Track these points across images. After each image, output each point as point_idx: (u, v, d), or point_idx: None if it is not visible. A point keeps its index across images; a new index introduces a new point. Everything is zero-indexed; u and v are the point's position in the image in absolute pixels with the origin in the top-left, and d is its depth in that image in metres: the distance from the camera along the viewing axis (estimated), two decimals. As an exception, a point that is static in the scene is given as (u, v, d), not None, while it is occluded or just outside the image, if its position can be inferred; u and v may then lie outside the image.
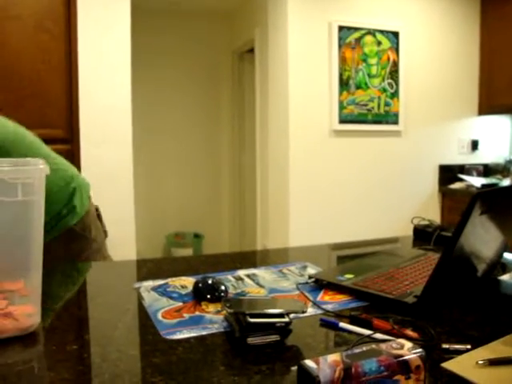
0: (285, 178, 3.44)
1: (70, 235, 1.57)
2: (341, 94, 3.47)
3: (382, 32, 3.57)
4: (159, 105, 4.78)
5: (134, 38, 3.00)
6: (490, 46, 3.80)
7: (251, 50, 4.46)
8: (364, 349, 0.73)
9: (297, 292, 1.12)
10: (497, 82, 3.75)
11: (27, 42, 2.73)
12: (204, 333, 0.89)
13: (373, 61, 3.56)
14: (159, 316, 0.97)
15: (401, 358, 0.70)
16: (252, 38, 4.33)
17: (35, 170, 0.87)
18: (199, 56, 4.91)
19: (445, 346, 0.80)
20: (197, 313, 0.99)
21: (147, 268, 1.45)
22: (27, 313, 0.87)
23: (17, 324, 0.85)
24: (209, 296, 1.04)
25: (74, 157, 2.85)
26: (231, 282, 1.21)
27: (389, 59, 3.60)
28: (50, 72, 2.78)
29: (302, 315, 0.94)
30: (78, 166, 2.86)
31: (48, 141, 2.79)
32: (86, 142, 2.87)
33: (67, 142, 2.85)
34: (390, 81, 3.61)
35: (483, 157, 4.02)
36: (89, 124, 2.87)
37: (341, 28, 3.45)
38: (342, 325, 0.90)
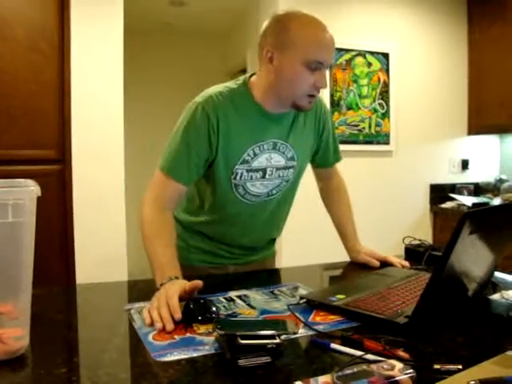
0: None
1: None
2: (332, 114, 3.50)
3: (372, 53, 3.61)
4: (152, 124, 4.79)
5: (126, 58, 3.01)
6: (478, 66, 3.86)
7: (243, 71, 4.50)
8: (355, 370, 0.73)
9: (288, 313, 1.11)
10: (486, 102, 3.80)
11: (20, 63, 2.74)
12: (195, 354, 0.88)
13: (363, 82, 3.60)
14: (150, 338, 0.97)
15: (392, 379, 0.70)
16: (244, 59, 4.37)
17: (26, 191, 0.87)
18: (192, 76, 4.94)
19: (436, 366, 0.80)
20: (188, 334, 0.99)
21: (138, 289, 1.44)
22: (16, 336, 0.86)
23: (5, 347, 0.84)
24: (200, 317, 1.04)
25: (65, 177, 2.84)
26: (222, 303, 1.21)
27: (379, 80, 3.64)
28: (43, 92, 2.79)
29: (293, 336, 0.93)
30: (70, 186, 2.85)
31: (40, 161, 2.80)
32: (78, 162, 2.87)
33: (59, 162, 2.84)
34: (380, 101, 3.65)
35: (474, 176, 4.05)
36: (81, 144, 2.87)
37: (332, 49, 3.49)
38: (334, 346, 0.90)
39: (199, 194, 1.50)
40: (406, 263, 1.57)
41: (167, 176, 1.33)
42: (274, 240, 1.72)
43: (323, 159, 1.63)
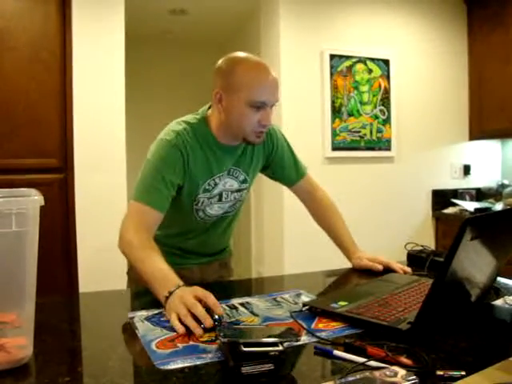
0: (279, 205, 3.44)
1: None
2: (333, 121, 3.51)
3: (372, 60, 3.62)
4: (154, 133, 4.79)
5: (128, 66, 3.03)
6: (478, 72, 3.87)
7: (244, 79, 4.51)
8: (358, 377, 0.73)
9: (291, 320, 1.11)
10: (486, 107, 3.80)
11: (22, 72, 2.75)
12: (198, 362, 0.88)
13: (364, 88, 3.61)
14: (153, 346, 0.97)
15: (394, 386, 0.70)
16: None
17: (29, 201, 0.88)
18: (193, 84, 4.96)
19: (439, 372, 0.80)
20: (191, 342, 0.99)
21: (141, 297, 1.45)
22: (19, 345, 0.87)
23: (8, 357, 0.84)
24: (202, 325, 1.04)
25: (68, 185, 2.85)
26: (225, 310, 1.21)
27: (380, 86, 3.65)
28: (45, 101, 2.80)
29: (296, 343, 0.93)
30: (73, 195, 2.86)
31: (42, 170, 2.81)
32: (80, 171, 2.88)
33: (61, 170, 2.85)
34: (381, 107, 3.66)
35: (475, 181, 4.04)
36: (83, 153, 2.88)
37: (332, 56, 3.50)
38: (337, 352, 0.90)
39: None
40: (408, 269, 1.57)
41: (146, 206, 1.39)
42: (229, 244, 1.85)
43: (287, 176, 1.73)
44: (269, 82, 1.39)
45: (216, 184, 1.51)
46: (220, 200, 1.55)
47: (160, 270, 1.25)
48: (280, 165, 1.68)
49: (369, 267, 1.61)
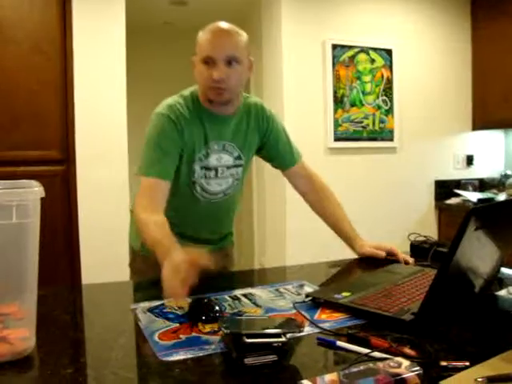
0: (282, 196, 3.44)
1: None
2: (336, 111, 3.49)
3: (375, 50, 3.60)
4: (155, 124, 4.78)
5: (129, 57, 3.02)
6: (482, 62, 3.84)
7: (246, 69, 4.50)
8: (361, 368, 0.73)
9: (294, 311, 1.11)
10: (490, 97, 3.78)
11: (23, 64, 2.74)
12: (201, 354, 0.88)
13: (367, 78, 3.58)
14: (156, 337, 0.97)
15: (398, 377, 0.70)
16: (247, 58, 4.36)
17: (30, 192, 0.87)
18: (193, 75, 4.94)
19: (443, 363, 0.80)
20: (193, 334, 0.98)
21: (143, 288, 1.45)
22: (22, 336, 0.87)
23: (11, 348, 0.84)
24: (204, 317, 1.04)
25: (69, 177, 2.85)
26: (228, 301, 1.21)
27: (382, 76, 3.63)
28: (46, 93, 2.79)
29: (299, 334, 0.93)
30: (74, 186, 2.86)
31: (44, 162, 2.80)
32: (81, 163, 2.87)
33: (63, 162, 2.85)
34: (384, 98, 3.64)
35: (478, 171, 4.03)
36: (85, 144, 2.87)
37: (334, 46, 3.48)
38: (340, 343, 0.90)
39: None
40: (410, 259, 1.56)
41: (152, 178, 1.45)
42: (231, 232, 1.84)
43: (282, 159, 1.73)
44: (216, 36, 1.43)
45: (208, 154, 1.52)
46: (216, 176, 1.56)
47: (158, 236, 1.30)
48: (275, 147, 1.69)
49: (372, 255, 1.62)
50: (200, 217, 1.63)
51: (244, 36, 1.49)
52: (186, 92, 1.56)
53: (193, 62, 1.49)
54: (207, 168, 1.54)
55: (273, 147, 1.69)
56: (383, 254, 1.61)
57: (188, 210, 1.61)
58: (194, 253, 1.11)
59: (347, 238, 1.71)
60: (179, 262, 1.08)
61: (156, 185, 1.45)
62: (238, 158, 1.60)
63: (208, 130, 1.52)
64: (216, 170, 1.55)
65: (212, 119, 1.52)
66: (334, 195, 1.78)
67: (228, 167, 1.58)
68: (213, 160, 1.54)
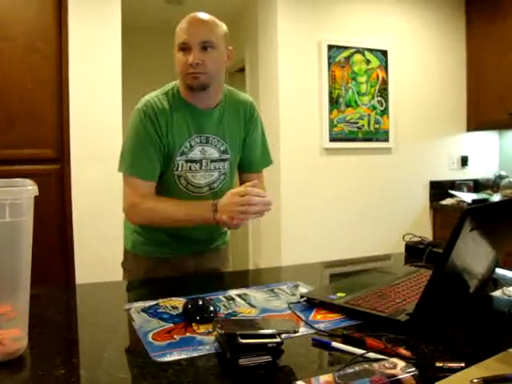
0: (276, 196, 3.43)
1: None
2: (331, 112, 3.49)
3: (370, 50, 3.60)
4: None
5: (124, 56, 3.00)
6: (476, 63, 3.85)
7: (242, 70, 4.49)
8: (357, 369, 0.72)
9: (288, 312, 1.11)
10: (484, 98, 3.79)
11: (18, 62, 2.73)
12: (195, 354, 0.88)
13: (362, 79, 3.59)
14: (150, 338, 0.96)
15: (394, 378, 0.70)
16: (242, 58, 4.36)
17: (24, 191, 0.86)
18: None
19: (438, 364, 0.80)
20: (188, 334, 0.98)
21: (137, 288, 1.44)
22: (14, 336, 0.86)
23: (3, 349, 0.83)
24: (198, 317, 1.03)
25: (64, 176, 2.84)
26: (222, 302, 1.20)
27: (378, 77, 3.63)
28: (41, 92, 2.78)
29: (293, 335, 0.92)
30: (69, 185, 2.84)
31: (38, 160, 2.79)
32: (76, 161, 2.86)
33: (57, 161, 2.83)
34: (379, 98, 3.64)
35: (473, 172, 4.04)
36: (80, 143, 2.86)
37: (330, 47, 3.48)
38: (335, 344, 0.90)
39: None
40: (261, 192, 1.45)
41: (137, 179, 1.48)
42: (225, 231, 1.80)
43: (250, 161, 1.70)
44: (191, 24, 1.45)
45: (192, 146, 1.52)
46: (201, 168, 1.55)
47: (188, 204, 1.46)
48: (248, 150, 1.67)
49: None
50: None
51: (221, 26, 1.50)
52: (167, 87, 1.56)
53: (174, 55, 1.50)
54: (192, 161, 1.53)
55: (248, 145, 1.67)
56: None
57: None
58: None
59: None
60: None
61: (141, 184, 1.48)
62: (225, 151, 1.58)
63: (190, 122, 1.51)
64: (201, 162, 1.54)
65: (193, 112, 1.52)
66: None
67: (213, 160, 1.56)
68: (196, 152, 1.53)
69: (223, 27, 1.50)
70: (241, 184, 1.74)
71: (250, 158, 1.69)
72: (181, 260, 1.62)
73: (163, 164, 1.51)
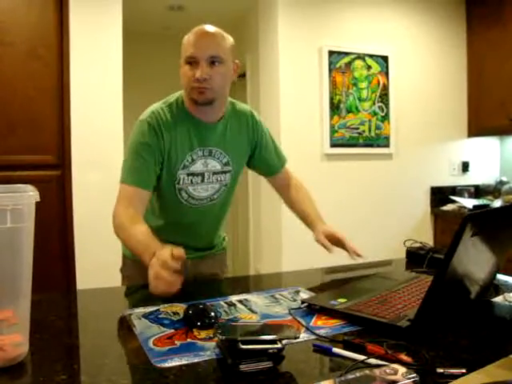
0: (277, 201, 3.42)
1: None
2: (332, 118, 3.49)
3: (371, 56, 3.61)
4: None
5: (125, 62, 3.01)
6: (477, 69, 3.86)
7: (243, 75, 4.50)
8: (357, 375, 0.72)
9: (289, 317, 1.11)
10: (485, 104, 3.79)
11: (19, 69, 2.74)
12: (196, 360, 0.88)
13: (363, 85, 3.59)
14: (150, 343, 0.96)
15: (395, 384, 0.70)
16: (243, 64, 4.37)
17: (25, 197, 0.87)
18: (191, 81, 4.94)
19: (439, 370, 0.79)
20: (188, 340, 0.98)
21: (138, 294, 1.44)
22: (15, 342, 0.86)
23: (4, 355, 0.83)
24: (199, 323, 1.03)
25: (65, 182, 2.84)
26: (223, 307, 1.20)
27: (379, 83, 3.64)
28: (42, 98, 2.79)
29: (294, 341, 0.92)
30: (70, 191, 2.85)
31: (39, 166, 2.79)
32: (77, 168, 2.86)
33: (58, 167, 2.84)
34: (380, 104, 3.65)
35: (474, 178, 4.04)
36: (80, 149, 2.86)
37: (331, 53, 3.49)
38: (336, 350, 0.89)
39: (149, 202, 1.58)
40: (360, 253, 1.51)
41: (131, 186, 1.44)
42: (223, 238, 1.83)
43: (269, 167, 1.73)
44: (199, 37, 1.43)
45: (193, 160, 1.50)
46: (203, 181, 1.54)
47: (144, 241, 1.30)
48: (262, 156, 1.68)
49: (323, 244, 1.56)
50: (188, 224, 1.61)
51: (229, 39, 1.48)
52: (171, 98, 1.55)
53: (179, 65, 1.49)
54: (193, 174, 1.52)
55: (260, 156, 1.68)
56: (332, 249, 1.54)
57: (175, 218, 1.59)
58: (176, 248, 1.12)
59: (309, 224, 1.69)
60: (167, 257, 1.10)
61: (135, 193, 1.44)
62: (227, 164, 1.57)
63: (193, 135, 1.50)
64: (202, 175, 1.54)
65: (197, 125, 1.50)
66: (307, 191, 1.80)
67: (215, 173, 1.56)
68: (199, 165, 1.52)
69: (230, 40, 1.49)
70: (277, 189, 1.80)
71: (268, 163, 1.71)
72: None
73: (165, 177, 1.50)
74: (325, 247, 1.55)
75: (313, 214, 1.70)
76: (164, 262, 1.09)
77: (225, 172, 1.58)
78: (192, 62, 1.41)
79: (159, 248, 1.19)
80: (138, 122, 1.50)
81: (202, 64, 1.40)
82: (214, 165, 1.55)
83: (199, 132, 1.51)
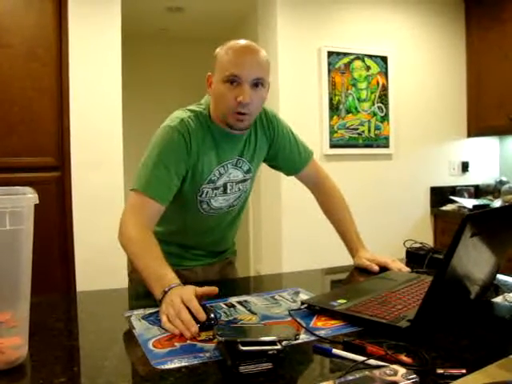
0: (277, 203, 3.43)
1: None
2: (331, 118, 3.50)
3: (370, 57, 3.61)
4: (150, 131, 4.77)
5: (124, 63, 3.01)
6: (476, 69, 3.86)
7: (242, 76, 4.50)
8: (357, 376, 0.72)
9: (289, 318, 1.11)
10: (484, 104, 3.80)
11: (18, 70, 2.74)
12: (195, 362, 0.87)
13: (362, 85, 3.59)
14: (150, 345, 0.96)
15: (395, 385, 0.69)
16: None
17: (24, 199, 0.86)
18: (190, 82, 4.94)
19: (439, 370, 0.79)
20: (188, 341, 0.98)
21: (138, 296, 1.44)
22: (14, 345, 0.86)
23: (3, 357, 0.83)
24: (199, 324, 1.03)
25: (64, 184, 2.84)
26: (223, 309, 1.20)
27: (378, 83, 3.64)
28: (41, 99, 2.79)
29: (294, 342, 0.92)
30: (69, 193, 2.84)
31: (39, 168, 2.79)
32: (76, 169, 2.86)
33: (58, 169, 2.84)
34: (379, 105, 3.65)
35: (474, 178, 4.04)
36: (80, 151, 2.86)
37: (330, 53, 3.49)
38: (336, 351, 0.89)
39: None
40: (406, 269, 1.55)
41: (147, 196, 1.33)
42: (234, 243, 1.82)
43: (293, 165, 1.67)
44: (240, 54, 1.33)
45: (221, 174, 1.45)
46: (225, 192, 1.48)
47: (157, 268, 1.21)
48: (283, 154, 1.62)
49: (366, 267, 1.58)
50: (204, 229, 1.56)
51: (267, 57, 1.39)
52: (196, 108, 1.46)
53: (208, 78, 1.40)
54: (217, 188, 1.47)
55: (280, 154, 1.62)
56: (376, 268, 1.55)
57: (191, 224, 1.54)
58: (185, 295, 1.08)
59: (350, 248, 1.69)
60: (191, 296, 1.06)
61: (150, 206, 1.34)
62: (248, 171, 1.53)
63: (220, 149, 1.43)
64: (225, 186, 1.48)
65: (225, 137, 1.44)
66: (343, 199, 1.78)
67: (237, 182, 1.51)
68: (225, 178, 1.47)
69: (267, 57, 1.40)
70: (309, 189, 1.78)
71: (293, 161, 1.65)
72: (190, 272, 1.58)
73: (187, 189, 1.43)
74: (370, 269, 1.56)
75: (354, 237, 1.69)
76: (188, 301, 1.05)
77: (246, 180, 1.54)
78: (234, 81, 1.31)
79: (173, 281, 1.14)
80: (167, 128, 1.39)
81: (245, 86, 1.31)
82: (237, 174, 1.50)
83: (226, 144, 1.45)
